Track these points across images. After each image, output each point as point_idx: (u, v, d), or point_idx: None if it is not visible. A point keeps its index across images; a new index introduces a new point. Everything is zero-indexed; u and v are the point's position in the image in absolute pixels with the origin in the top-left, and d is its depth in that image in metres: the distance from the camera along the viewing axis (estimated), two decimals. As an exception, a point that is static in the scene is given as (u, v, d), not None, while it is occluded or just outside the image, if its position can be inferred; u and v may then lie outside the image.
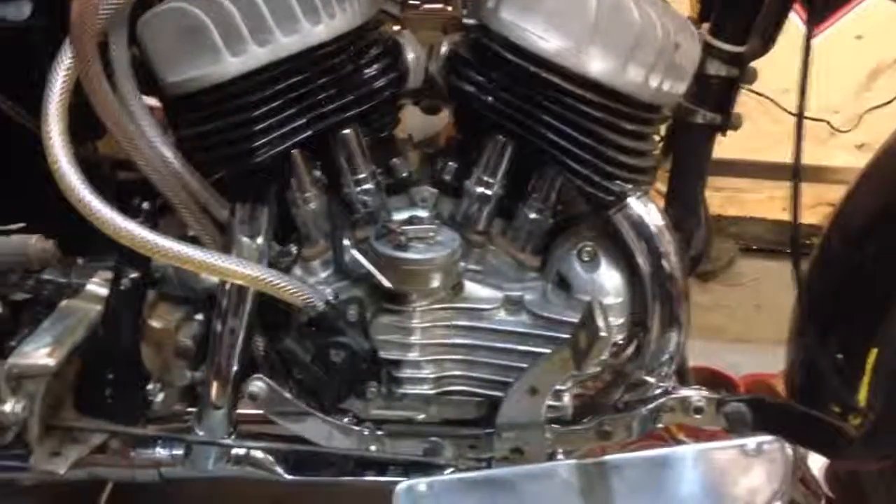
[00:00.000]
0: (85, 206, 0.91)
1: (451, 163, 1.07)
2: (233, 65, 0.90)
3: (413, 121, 1.15)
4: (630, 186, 0.97)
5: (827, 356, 1.17)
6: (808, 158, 1.11)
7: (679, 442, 1.36)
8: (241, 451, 1.12)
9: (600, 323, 0.85)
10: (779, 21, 1.03)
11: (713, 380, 1.75)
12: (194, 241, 1.01)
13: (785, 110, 2.53)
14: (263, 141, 0.94)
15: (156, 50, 0.92)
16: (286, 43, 0.91)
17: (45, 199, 0.98)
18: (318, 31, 0.92)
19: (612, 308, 1.00)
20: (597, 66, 0.91)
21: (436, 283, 1.00)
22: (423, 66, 1.04)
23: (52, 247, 1.01)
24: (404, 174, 1.08)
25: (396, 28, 1.07)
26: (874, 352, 1.14)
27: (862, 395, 1.19)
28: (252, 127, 0.94)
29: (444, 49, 1.02)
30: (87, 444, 1.06)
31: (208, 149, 0.97)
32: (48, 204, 0.99)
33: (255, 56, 0.90)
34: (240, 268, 0.95)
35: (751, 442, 0.96)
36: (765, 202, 2.77)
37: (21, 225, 1.02)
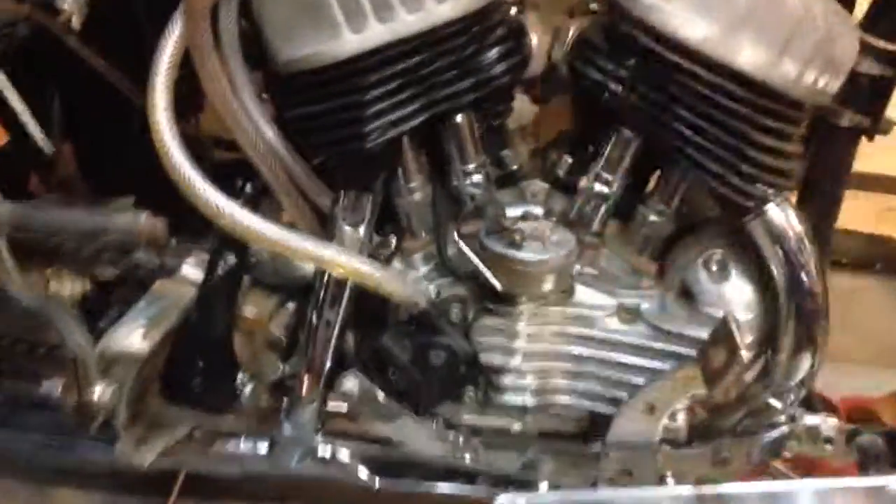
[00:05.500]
0: (189, 185, 0.86)
1: (566, 157, 1.00)
2: (351, 42, 0.84)
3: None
4: (772, 191, 0.88)
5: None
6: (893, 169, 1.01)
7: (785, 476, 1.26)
8: (327, 451, 1.07)
9: (739, 341, 0.76)
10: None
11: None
12: (290, 227, 0.96)
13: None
14: (376, 125, 0.88)
15: (271, 23, 0.86)
16: (409, 21, 0.84)
17: (139, 174, 0.95)
18: (443, 10, 0.85)
19: (742, 325, 0.91)
20: (748, 56, 0.82)
21: (549, 285, 0.93)
22: (546, 52, 0.96)
23: (163, 225, 0.96)
24: (514, 167, 1.02)
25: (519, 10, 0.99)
26: None
27: None
28: (365, 110, 0.87)
29: (570, 33, 0.94)
30: (173, 433, 1.02)
31: (317, 131, 0.91)
32: (141, 180, 0.96)
33: (376, 34, 0.84)
34: (346, 259, 0.89)
35: (894, 482, 0.86)
36: (856, 213, 2.62)
37: (131, 199, 0.98)
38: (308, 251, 0.89)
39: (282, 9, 0.85)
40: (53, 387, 0.93)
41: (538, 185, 1.01)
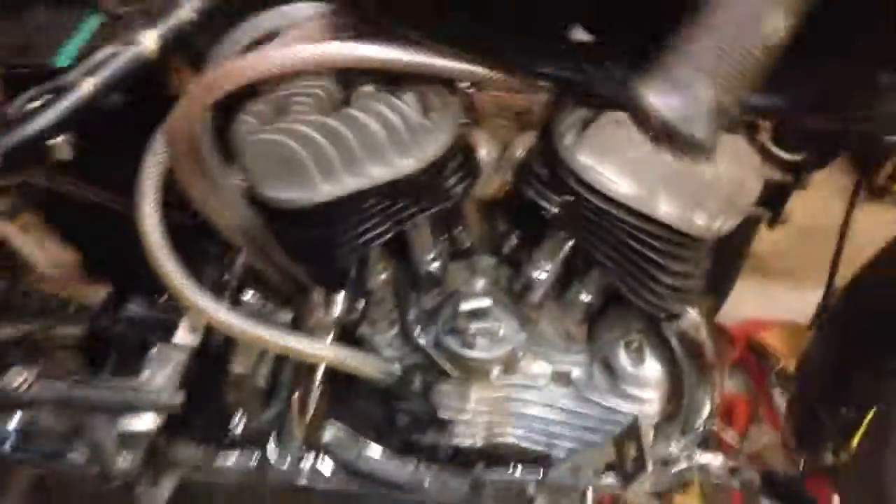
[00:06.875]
0: (180, 292, 1.00)
1: (513, 236, 1.14)
2: (325, 191, 0.95)
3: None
4: (679, 306, 1.05)
5: (831, 410, 1.29)
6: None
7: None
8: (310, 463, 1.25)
9: (648, 458, 0.97)
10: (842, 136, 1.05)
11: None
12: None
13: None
14: (346, 249, 1.01)
15: (255, 169, 0.96)
16: (376, 173, 0.95)
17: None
18: (407, 163, 0.96)
19: (652, 401, 1.12)
20: (664, 211, 0.96)
21: (496, 373, 1.11)
22: (495, 165, 1.08)
23: (182, 397, 1.10)
24: (467, 245, 1.16)
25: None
26: (874, 410, 1.27)
27: (855, 442, 1.32)
28: (337, 239, 1.00)
29: (517, 154, 1.05)
30: (181, 468, 1.21)
31: (295, 248, 1.04)
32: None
33: (347, 184, 0.95)
34: (324, 352, 1.06)
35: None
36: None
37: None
38: (288, 347, 1.05)
39: (264, 159, 0.95)
40: (78, 456, 1.11)
41: (487, 261, 1.17)
